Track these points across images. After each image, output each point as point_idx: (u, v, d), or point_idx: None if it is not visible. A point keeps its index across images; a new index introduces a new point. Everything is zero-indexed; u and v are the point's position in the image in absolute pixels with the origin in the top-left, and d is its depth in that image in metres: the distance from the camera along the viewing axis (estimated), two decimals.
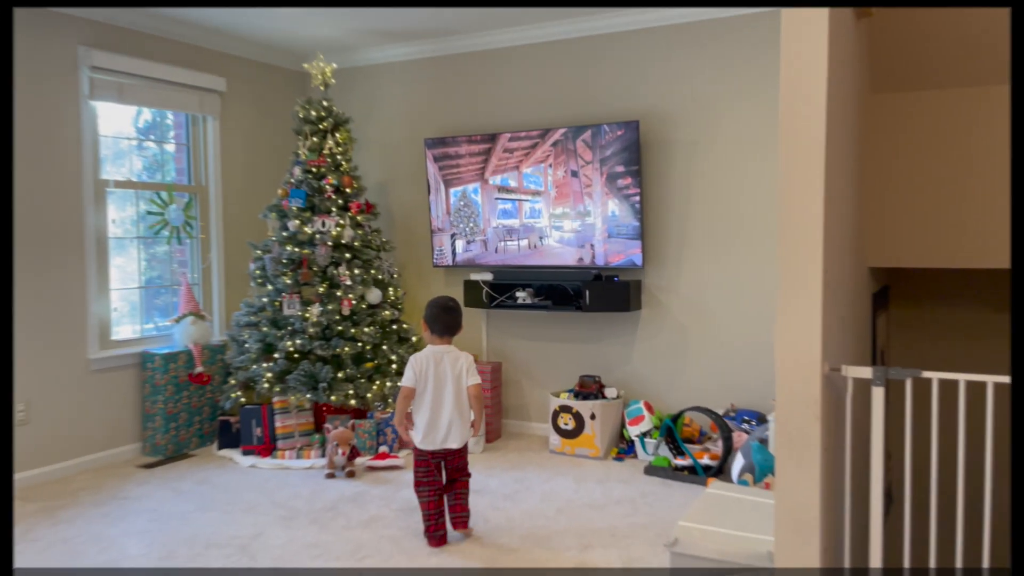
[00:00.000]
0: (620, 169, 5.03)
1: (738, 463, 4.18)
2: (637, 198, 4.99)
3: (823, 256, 2.38)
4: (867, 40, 3.23)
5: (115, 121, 5.14)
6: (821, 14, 2.42)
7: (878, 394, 2.46)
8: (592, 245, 5.18)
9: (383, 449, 5.03)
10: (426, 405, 3.65)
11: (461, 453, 3.73)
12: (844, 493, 2.49)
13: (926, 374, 2.39)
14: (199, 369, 5.24)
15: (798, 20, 2.44)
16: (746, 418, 4.67)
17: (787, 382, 2.43)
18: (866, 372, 2.46)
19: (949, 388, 2.39)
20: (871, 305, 3.53)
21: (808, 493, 2.36)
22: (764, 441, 4.06)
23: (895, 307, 4.27)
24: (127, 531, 3.86)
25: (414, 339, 5.52)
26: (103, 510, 4.15)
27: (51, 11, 4.63)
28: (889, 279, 4.16)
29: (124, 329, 5.24)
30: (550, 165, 5.28)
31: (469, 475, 3.80)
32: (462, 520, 3.75)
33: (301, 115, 5.40)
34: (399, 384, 4.92)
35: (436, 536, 3.65)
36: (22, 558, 3.54)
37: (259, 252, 5.32)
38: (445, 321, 3.72)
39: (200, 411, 5.32)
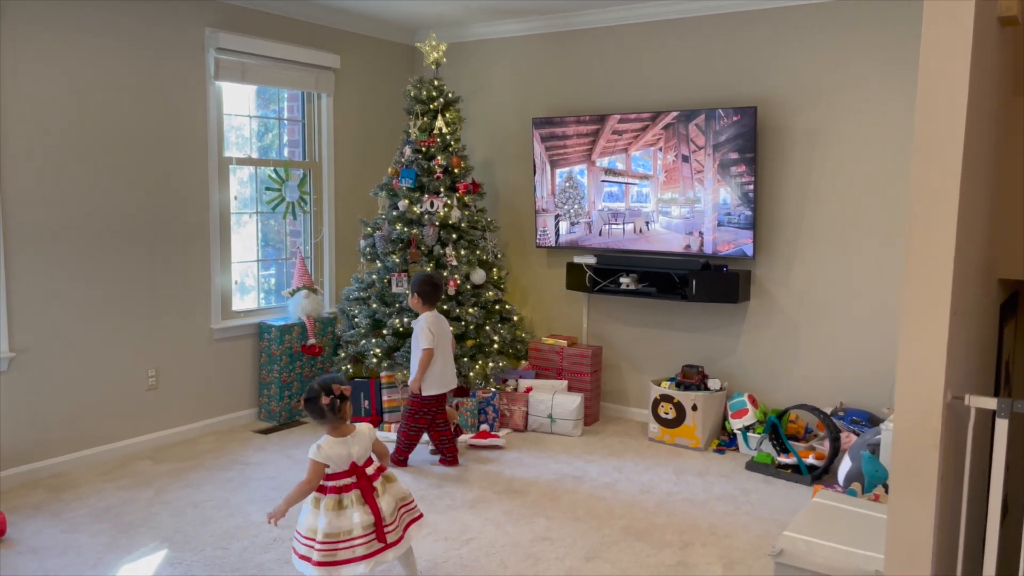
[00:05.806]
0: (734, 156, 4.91)
1: (844, 465, 4.09)
2: (751, 187, 4.88)
3: (952, 284, 2.29)
4: (1011, 46, 3.04)
5: (230, 98, 5.33)
6: (966, 17, 2.29)
7: (1001, 426, 2.37)
8: (701, 233, 5.10)
9: (484, 428, 5.15)
10: (439, 358, 4.53)
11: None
12: (960, 519, 2.43)
13: None
14: (311, 341, 5.46)
15: (942, 21, 2.32)
16: (855, 419, 4.56)
17: (907, 410, 2.37)
18: (990, 403, 2.37)
19: None
20: (998, 317, 3.37)
21: (923, 521, 2.31)
22: (875, 449, 3.96)
23: None
24: (250, 498, 4.12)
25: (515, 319, 5.60)
26: (227, 475, 4.42)
27: None
28: (1020, 285, 3.95)
29: (240, 300, 5.51)
30: (660, 149, 5.21)
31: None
32: (455, 458, 4.69)
33: (412, 94, 5.46)
34: (491, 363, 5.12)
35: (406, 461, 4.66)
36: (158, 518, 3.83)
37: (369, 229, 5.47)
38: (437, 293, 4.63)
39: (311, 381, 5.55)
